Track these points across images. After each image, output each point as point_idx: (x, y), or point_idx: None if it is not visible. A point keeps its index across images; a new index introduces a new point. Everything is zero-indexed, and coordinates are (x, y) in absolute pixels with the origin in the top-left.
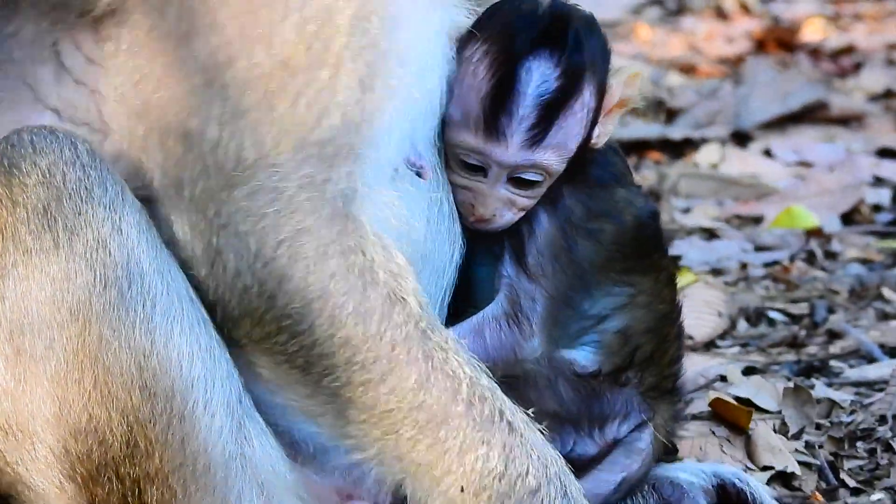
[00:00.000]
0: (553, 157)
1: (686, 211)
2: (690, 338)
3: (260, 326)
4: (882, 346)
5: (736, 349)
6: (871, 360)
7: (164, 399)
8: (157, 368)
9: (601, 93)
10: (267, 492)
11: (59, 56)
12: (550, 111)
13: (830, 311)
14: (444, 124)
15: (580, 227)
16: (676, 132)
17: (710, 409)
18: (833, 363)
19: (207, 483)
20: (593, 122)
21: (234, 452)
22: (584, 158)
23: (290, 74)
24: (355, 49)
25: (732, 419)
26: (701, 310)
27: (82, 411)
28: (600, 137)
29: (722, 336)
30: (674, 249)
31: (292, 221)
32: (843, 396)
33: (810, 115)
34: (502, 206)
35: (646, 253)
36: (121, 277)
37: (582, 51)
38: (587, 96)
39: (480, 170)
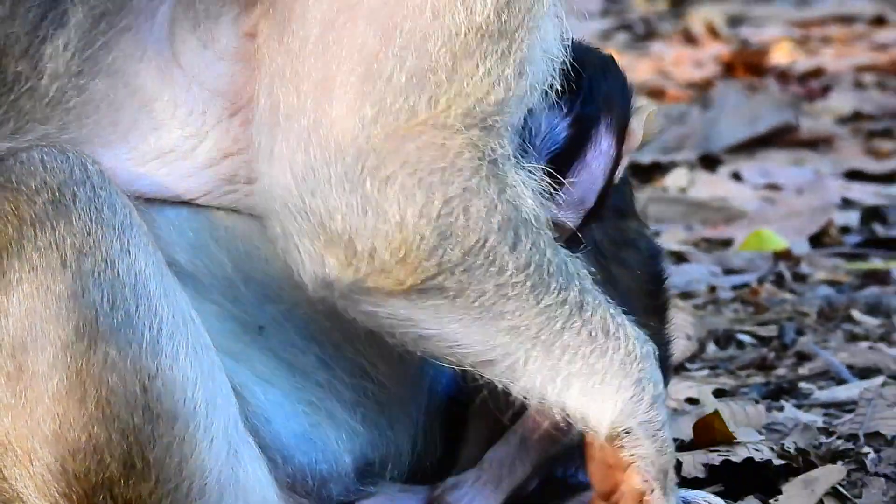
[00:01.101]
0: (570, 214)
1: (655, 235)
2: None
3: (416, 273)
4: (851, 368)
5: (705, 372)
6: (840, 381)
7: (166, 422)
8: (161, 391)
9: (622, 137)
10: None
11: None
12: (561, 166)
13: (799, 333)
14: None
15: (611, 256)
16: (645, 156)
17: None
18: (802, 385)
19: None
20: (614, 169)
21: (229, 478)
22: (606, 192)
23: (479, 40)
24: (527, 27)
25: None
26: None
27: (83, 431)
28: (619, 175)
29: (691, 359)
30: None
31: (459, 180)
32: (813, 418)
33: (779, 138)
34: None
35: (657, 290)
36: (128, 299)
37: (595, 99)
38: (605, 146)
39: None
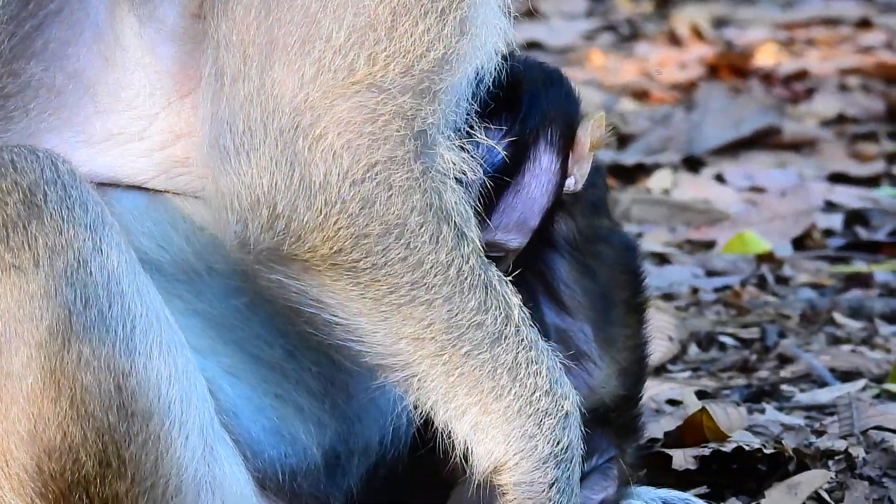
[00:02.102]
0: (511, 235)
1: (638, 236)
2: None
3: (332, 241)
4: (833, 371)
5: (687, 374)
6: (822, 384)
7: (141, 419)
8: (135, 389)
9: (566, 150)
10: None
11: None
12: (497, 187)
13: (781, 335)
14: None
15: (585, 250)
16: (629, 158)
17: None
18: (784, 387)
19: None
20: (560, 184)
21: (205, 475)
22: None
23: None
24: None
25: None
26: (652, 335)
27: (58, 430)
28: (577, 183)
29: (673, 361)
30: None
31: (385, 148)
32: (794, 421)
33: (762, 140)
34: None
35: (635, 284)
36: (101, 297)
37: (534, 117)
38: (545, 163)
39: None
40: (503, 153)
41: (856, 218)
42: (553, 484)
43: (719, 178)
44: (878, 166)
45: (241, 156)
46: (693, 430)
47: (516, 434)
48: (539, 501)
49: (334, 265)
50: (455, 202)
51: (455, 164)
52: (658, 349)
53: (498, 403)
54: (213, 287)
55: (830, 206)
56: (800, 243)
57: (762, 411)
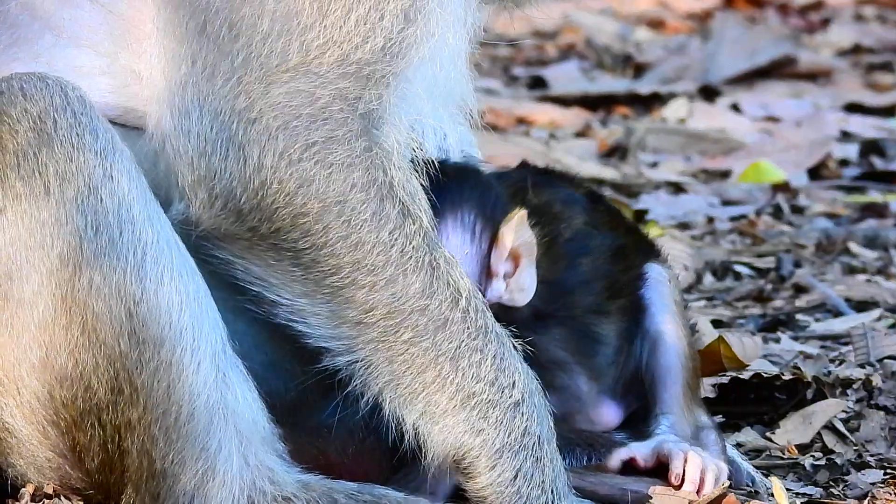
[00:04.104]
0: None
1: (653, 165)
2: None
3: (271, 221)
4: (848, 300)
5: (702, 303)
6: (837, 314)
7: (152, 346)
8: (146, 315)
9: (489, 243)
10: (246, 443)
11: None
12: None
13: (797, 265)
14: None
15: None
16: (644, 87)
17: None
18: (799, 317)
19: (189, 432)
20: (480, 275)
21: (217, 402)
22: None
23: None
24: None
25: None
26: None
27: (69, 357)
28: (512, 293)
29: (688, 290)
30: (640, 204)
31: (325, 128)
32: (809, 350)
33: (778, 70)
34: None
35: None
36: (112, 224)
37: (442, 198)
38: (455, 242)
39: None
40: None
41: (871, 148)
42: (516, 476)
43: (735, 108)
44: (893, 96)
45: (180, 136)
46: (710, 359)
47: (463, 427)
48: (508, 496)
49: (275, 245)
50: (401, 180)
51: (402, 144)
52: None
53: (441, 394)
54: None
55: (846, 136)
56: (815, 173)
57: (777, 341)
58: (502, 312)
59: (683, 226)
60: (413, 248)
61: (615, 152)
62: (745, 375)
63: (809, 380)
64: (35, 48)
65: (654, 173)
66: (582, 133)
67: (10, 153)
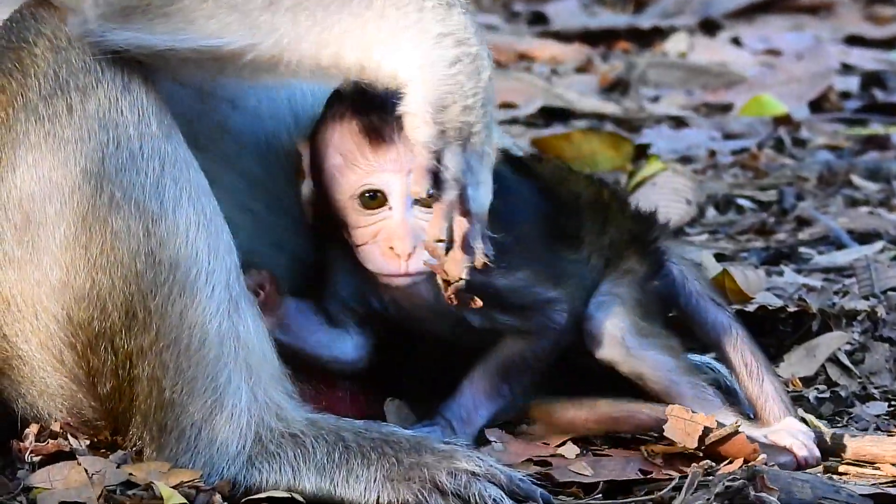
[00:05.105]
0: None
1: (655, 100)
2: None
3: None
4: (851, 233)
5: (705, 236)
6: (839, 246)
7: (167, 268)
8: (164, 234)
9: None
10: (255, 378)
11: None
12: None
13: (799, 197)
14: (328, 191)
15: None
16: (645, 21)
17: None
18: (802, 250)
19: (199, 361)
20: None
21: (229, 331)
22: None
23: None
24: None
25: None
26: (670, 197)
27: (87, 277)
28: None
29: (691, 223)
30: (642, 138)
31: None
32: (813, 282)
33: (779, 3)
34: (416, 237)
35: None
36: (133, 137)
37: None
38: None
39: (383, 204)
40: None
41: (872, 80)
42: (456, 62)
43: (735, 41)
44: (894, 28)
45: None
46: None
47: (400, 26)
48: (445, 84)
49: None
50: None
51: None
52: (676, 212)
53: (370, 11)
54: None
55: (847, 69)
56: (816, 105)
57: (781, 273)
58: None
59: (685, 159)
60: None
61: (616, 87)
62: (750, 308)
63: (814, 312)
64: None
65: (655, 107)
66: (583, 68)
67: (31, 76)
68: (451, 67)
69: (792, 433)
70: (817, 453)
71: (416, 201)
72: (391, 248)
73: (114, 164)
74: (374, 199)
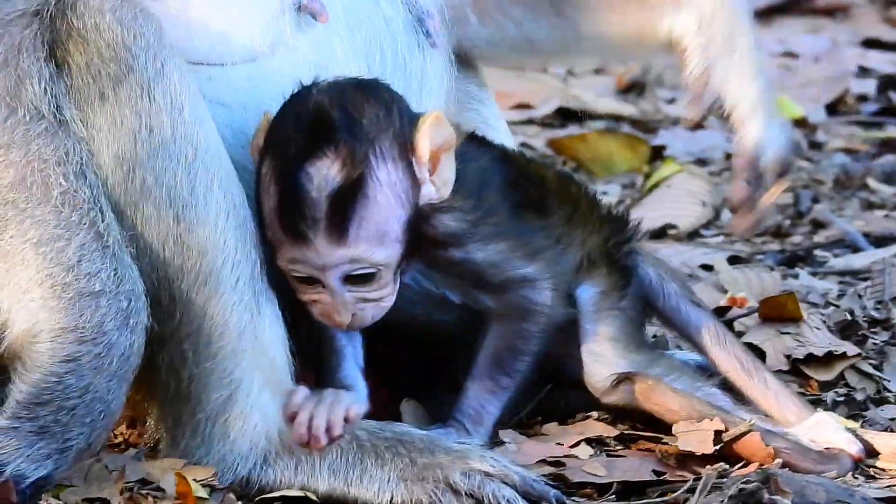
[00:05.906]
0: (372, 247)
1: (671, 101)
2: (674, 227)
3: None
4: (867, 236)
5: (720, 238)
6: (855, 249)
7: (196, 255)
8: (193, 221)
9: (406, 156)
10: (268, 376)
11: None
12: (343, 205)
13: (815, 200)
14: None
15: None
16: None
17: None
18: (818, 253)
19: (217, 353)
20: (413, 191)
21: (248, 325)
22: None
23: None
24: None
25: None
26: (685, 199)
27: None
28: (438, 190)
29: (706, 225)
30: (658, 140)
31: None
32: (828, 286)
33: (796, 5)
34: (354, 306)
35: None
36: (164, 123)
37: (355, 133)
38: (385, 174)
39: (316, 281)
40: (339, 174)
41: (889, 83)
42: (73, 360)
43: None
44: None
45: None
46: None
47: (38, 304)
48: (61, 374)
49: None
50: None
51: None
52: (691, 214)
53: (23, 274)
54: None
55: (864, 72)
56: (833, 108)
57: (796, 276)
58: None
59: (701, 161)
60: (6, 141)
61: (633, 88)
62: None
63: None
64: None
65: (671, 109)
66: (600, 69)
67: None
68: (66, 365)
69: (835, 429)
70: (863, 445)
71: (348, 278)
72: (329, 315)
73: (146, 149)
74: (304, 280)
